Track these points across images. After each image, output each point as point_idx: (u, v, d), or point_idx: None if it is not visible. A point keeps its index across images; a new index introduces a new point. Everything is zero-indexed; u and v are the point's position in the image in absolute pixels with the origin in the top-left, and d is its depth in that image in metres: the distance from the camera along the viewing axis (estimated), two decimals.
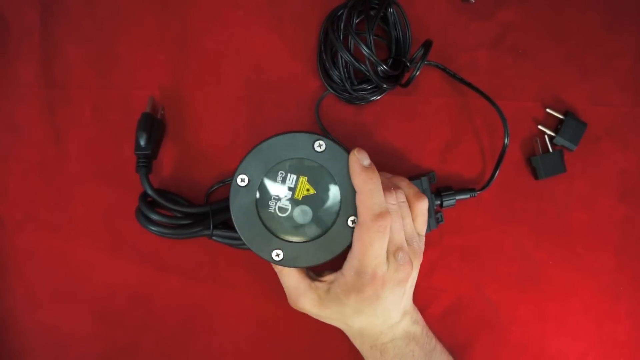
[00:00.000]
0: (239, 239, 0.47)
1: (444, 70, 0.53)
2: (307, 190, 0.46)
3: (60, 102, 0.53)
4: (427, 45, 0.49)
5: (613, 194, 0.55)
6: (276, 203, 0.46)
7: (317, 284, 0.47)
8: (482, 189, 0.52)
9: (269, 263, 0.47)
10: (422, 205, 0.47)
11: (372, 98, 0.51)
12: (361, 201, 0.43)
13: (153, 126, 0.50)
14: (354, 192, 0.46)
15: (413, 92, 0.53)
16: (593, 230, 0.55)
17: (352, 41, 0.48)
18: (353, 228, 0.46)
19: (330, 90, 0.52)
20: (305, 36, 0.53)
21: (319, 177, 0.46)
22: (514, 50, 0.54)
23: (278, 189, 0.46)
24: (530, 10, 0.54)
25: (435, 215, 0.51)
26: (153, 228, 0.49)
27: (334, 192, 0.46)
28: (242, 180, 0.46)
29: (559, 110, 0.54)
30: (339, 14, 0.50)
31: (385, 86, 0.49)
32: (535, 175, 0.54)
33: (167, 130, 0.53)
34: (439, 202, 0.51)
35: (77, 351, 0.54)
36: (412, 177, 0.51)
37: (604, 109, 0.54)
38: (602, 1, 0.54)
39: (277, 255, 0.46)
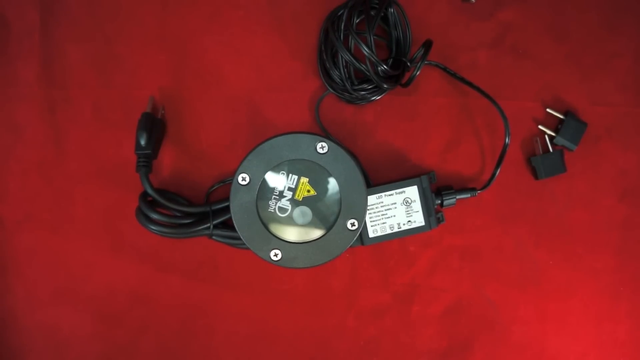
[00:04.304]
0: (239, 238, 0.47)
1: (445, 70, 0.53)
2: (308, 191, 0.46)
3: (60, 102, 0.53)
4: (428, 45, 0.49)
5: (613, 194, 0.55)
6: (276, 203, 0.46)
7: None
8: (483, 188, 0.52)
9: (269, 263, 0.47)
10: None
11: (373, 98, 0.51)
12: None
13: (153, 126, 0.50)
14: (354, 194, 0.46)
15: (413, 92, 0.53)
16: (593, 230, 0.55)
17: (353, 41, 0.48)
18: (353, 231, 0.46)
19: (331, 90, 0.52)
20: (305, 36, 0.53)
21: (320, 179, 0.46)
22: (514, 50, 0.54)
23: (278, 189, 0.46)
24: (530, 10, 0.54)
25: (435, 215, 0.51)
26: (153, 227, 0.49)
27: (335, 194, 0.46)
28: (243, 179, 0.46)
29: (559, 110, 0.54)
30: (339, 14, 0.50)
31: (385, 86, 0.49)
32: (536, 175, 0.54)
33: (167, 130, 0.53)
34: (439, 202, 0.51)
35: (77, 351, 0.54)
36: (412, 177, 0.51)
37: (604, 109, 0.54)
38: (602, 1, 0.54)
39: (276, 255, 0.46)
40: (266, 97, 0.53)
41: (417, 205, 0.50)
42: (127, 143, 0.51)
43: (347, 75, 0.50)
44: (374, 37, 0.47)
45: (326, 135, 0.51)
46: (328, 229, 0.47)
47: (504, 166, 0.52)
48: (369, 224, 0.50)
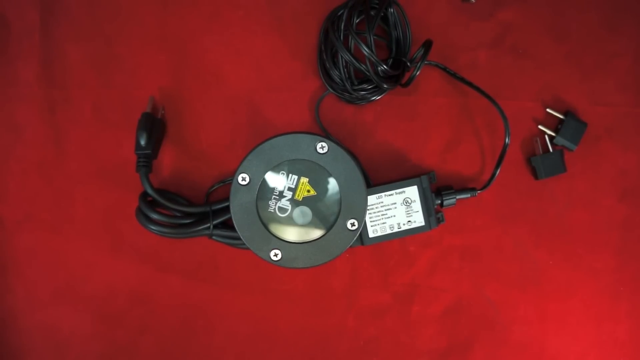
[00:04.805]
0: (239, 238, 0.47)
1: (445, 70, 0.53)
2: (308, 191, 0.46)
3: (60, 102, 0.53)
4: (427, 45, 0.49)
5: (613, 194, 0.55)
6: (276, 203, 0.46)
7: None
8: (483, 188, 0.52)
9: (269, 263, 0.47)
10: None
11: (373, 98, 0.51)
12: None
13: (153, 126, 0.50)
14: (354, 194, 0.46)
15: (413, 92, 0.53)
16: (593, 230, 0.55)
17: (353, 41, 0.48)
18: (353, 231, 0.46)
19: (331, 90, 0.52)
20: (305, 36, 0.53)
21: (320, 179, 0.46)
22: (514, 50, 0.54)
23: (278, 189, 0.46)
24: (530, 10, 0.54)
25: (435, 215, 0.51)
26: (153, 227, 0.49)
27: (335, 194, 0.46)
28: (243, 179, 0.46)
29: (559, 110, 0.54)
30: (339, 14, 0.50)
31: (385, 86, 0.49)
32: (535, 175, 0.54)
33: (167, 130, 0.53)
34: (439, 202, 0.51)
35: (77, 351, 0.54)
36: (412, 177, 0.51)
37: (604, 109, 0.54)
38: (602, 1, 0.54)
39: (276, 255, 0.46)
40: (266, 97, 0.53)
41: (417, 205, 0.50)
42: (127, 143, 0.51)
43: (347, 75, 0.50)
44: (374, 37, 0.47)
45: (326, 135, 0.51)
46: (328, 229, 0.47)
47: (504, 166, 0.52)
48: (369, 224, 0.50)
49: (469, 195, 0.52)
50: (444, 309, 0.55)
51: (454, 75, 0.53)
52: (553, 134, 0.53)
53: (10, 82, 0.53)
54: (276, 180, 0.46)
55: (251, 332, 0.54)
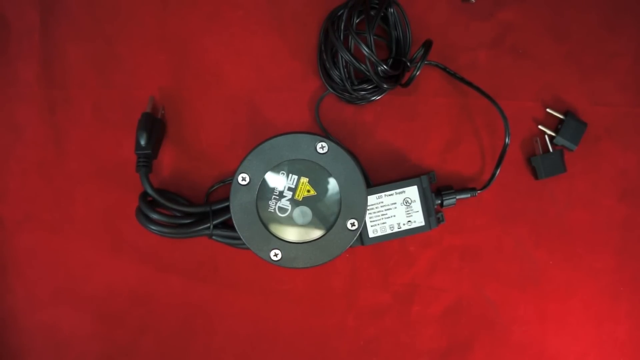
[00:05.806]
0: (239, 238, 0.47)
1: (445, 70, 0.53)
2: (308, 191, 0.46)
3: (60, 102, 0.53)
4: (428, 45, 0.49)
5: (613, 194, 0.55)
6: (276, 203, 0.46)
7: None
8: (483, 188, 0.52)
9: (269, 263, 0.47)
10: None
11: (373, 98, 0.51)
12: None
13: (153, 126, 0.50)
14: (354, 194, 0.46)
15: (413, 92, 0.53)
16: (593, 230, 0.55)
17: (353, 41, 0.48)
18: (353, 231, 0.46)
19: (331, 90, 0.52)
20: (305, 36, 0.53)
21: (320, 179, 0.46)
22: (514, 50, 0.54)
23: (278, 189, 0.46)
24: (530, 10, 0.54)
25: (435, 215, 0.51)
26: (153, 227, 0.49)
27: (335, 194, 0.46)
28: (243, 179, 0.46)
29: (559, 110, 0.54)
30: (339, 14, 0.50)
31: (385, 86, 0.49)
32: (536, 175, 0.54)
33: (167, 130, 0.53)
34: (439, 202, 0.51)
35: (77, 351, 0.54)
36: (412, 177, 0.51)
37: (604, 109, 0.54)
38: (602, 1, 0.54)
39: (276, 255, 0.46)
40: (266, 97, 0.53)
41: (417, 205, 0.50)
42: (127, 143, 0.51)
43: (347, 75, 0.50)
44: (374, 37, 0.47)
45: (326, 135, 0.51)
46: (328, 229, 0.47)
47: (504, 166, 0.52)
48: (369, 224, 0.50)
49: (469, 195, 0.52)
50: (444, 309, 0.55)
51: (454, 75, 0.53)
52: (553, 134, 0.53)
53: (10, 82, 0.53)
54: (276, 180, 0.46)
55: (251, 332, 0.54)
